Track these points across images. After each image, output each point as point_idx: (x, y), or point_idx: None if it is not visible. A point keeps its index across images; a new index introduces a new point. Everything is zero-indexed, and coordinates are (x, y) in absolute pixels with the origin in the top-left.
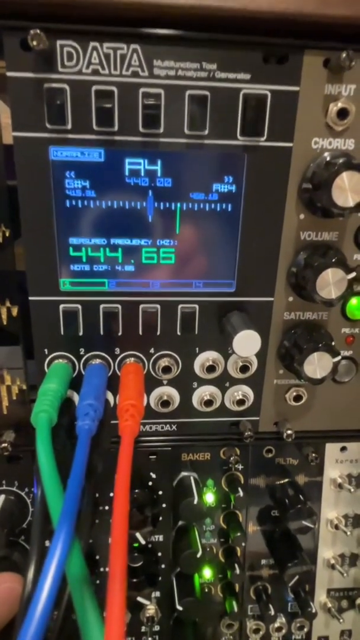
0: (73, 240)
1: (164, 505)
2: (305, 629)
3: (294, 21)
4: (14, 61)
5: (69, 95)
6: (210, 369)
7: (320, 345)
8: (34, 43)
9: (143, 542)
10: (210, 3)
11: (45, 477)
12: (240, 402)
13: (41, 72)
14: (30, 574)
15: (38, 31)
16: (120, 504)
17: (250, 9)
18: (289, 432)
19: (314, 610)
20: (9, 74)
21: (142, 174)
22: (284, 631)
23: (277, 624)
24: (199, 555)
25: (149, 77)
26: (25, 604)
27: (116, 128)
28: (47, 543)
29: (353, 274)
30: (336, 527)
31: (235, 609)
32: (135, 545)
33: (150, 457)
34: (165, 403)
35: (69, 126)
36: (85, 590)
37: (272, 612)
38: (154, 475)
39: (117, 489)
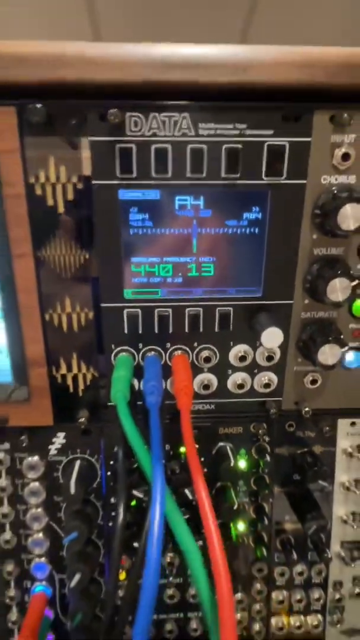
0: (134, 260)
1: (205, 470)
2: (323, 574)
3: (307, 88)
4: (94, 129)
5: (135, 152)
6: (242, 358)
7: (330, 338)
8: (112, 118)
9: (190, 497)
10: (241, 79)
11: (131, 437)
12: (267, 385)
13: (114, 136)
14: (121, 509)
15: (116, 110)
16: (191, 454)
17: (269, 81)
18: (307, 409)
19: (329, 556)
20: (91, 139)
21: (188, 207)
22: (305, 575)
23: (299, 569)
24: (235, 507)
25: (195, 136)
26: (120, 532)
27: (170, 174)
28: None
29: (356, 282)
30: (347, 489)
31: (265, 554)
32: None
33: (194, 431)
34: (206, 387)
35: (134, 174)
36: (178, 514)
37: (295, 557)
38: (197, 446)
39: (187, 445)
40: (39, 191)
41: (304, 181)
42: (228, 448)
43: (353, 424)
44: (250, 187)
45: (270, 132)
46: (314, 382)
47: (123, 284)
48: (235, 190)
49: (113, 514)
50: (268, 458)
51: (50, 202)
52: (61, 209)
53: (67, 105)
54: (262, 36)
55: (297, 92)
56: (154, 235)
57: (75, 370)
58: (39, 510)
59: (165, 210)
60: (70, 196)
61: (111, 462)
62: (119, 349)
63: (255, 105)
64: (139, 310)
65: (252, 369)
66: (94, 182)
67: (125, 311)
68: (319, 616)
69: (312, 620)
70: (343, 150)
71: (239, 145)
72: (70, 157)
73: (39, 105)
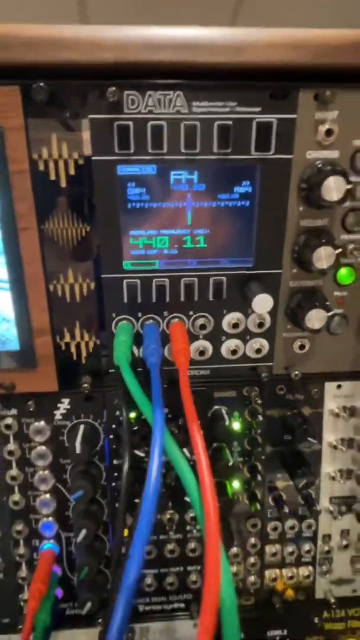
0: (133, 233)
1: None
2: (313, 528)
3: (295, 69)
4: (94, 108)
5: (132, 129)
6: (235, 325)
7: (317, 304)
8: (111, 96)
9: (188, 455)
10: (235, 59)
11: (134, 391)
12: (258, 351)
13: (112, 113)
14: (126, 456)
15: (114, 88)
16: (189, 409)
17: (261, 62)
18: (296, 373)
19: (318, 509)
20: (91, 116)
21: (183, 182)
22: (296, 529)
23: (290, 524)
24: (230, 464)
25: (189, 114)
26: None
27: (165, 150)
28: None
29: (340, 250)
30: (335, 447)
31: (259, 508)
32: None
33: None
34: (202, 353)
35: (132, 150)
36: (177, 449)
37: (287, 511)
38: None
39: (185, 399)
40: (41, 167)
41: (290, 156)
42: (223, 411)
43: (339, 386)
44: (240, 161)
45: (259, 109)
46: (302, 347)
47: (122, 256)
48: (226, 165)
49: (116, 474)
50: (260, 419)
51: (52, 177)
52: (63, 183)
53: (69, 85)
54: (254, 15)
55: (284, 72)
56: (150, 209)
57: (78, 338)
58: (46, 472)
59: (161, 184)
60: (71, 171)
61: (113, 426)
62: (119, 317)
63: (245, 84)
64: (137, 280)
65: (245, 335)
66: (93, 158)
67: (124, 282)
68: (310, 567)
69: (303, 571)
70: (326, 126)
71: (230, 122)
72: (71, 135)
73: (42, 85)
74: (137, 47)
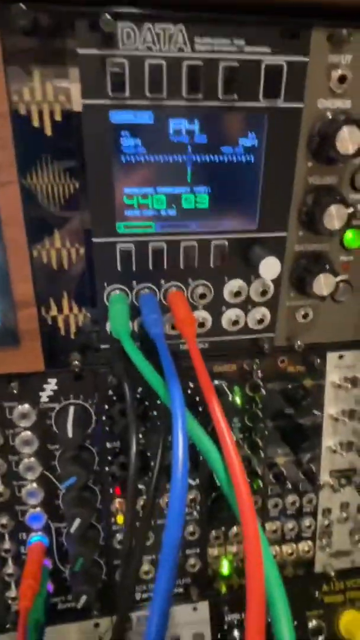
0: (127, 190)
1: (200, 409)
2: (314, 502)
3: (307, 3)
4: (84, 40)
5: (127, 68)
6: (237, 294)
7: (326, 267)
8: (104, 25)
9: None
10: None
11: (142, 367)
12: (260, 321)
13: (105, 49)
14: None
15: (108, 16)
16: (206, 381)
17: None
18: (299, 344)
19: (321, 482)
20: (80, 51)
21: (183, 132)
22: (297, 505)
23: (290, 500)
24: None
25: (191, 52)
26: (134, 465)
27: (165, 94)
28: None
29: (351, 209)
30: (336, 419)
31: (261, 485)
32: None
33: (189, 372)
34: (201, 324)
35: (127, 94)
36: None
37: (289, 486)
38: (192, 385)
39: (199, 369)
40: (23, 111)
41: (301, 105)
42: (224, 386)
43: (341, 357)
44: (247, 110)
45: (268, 49)
46: (305, 316)
47: (115, 217)
48: (231, 114)
49: (110, 458)
50: (262, 393)
51: (36, 123)
52: (49, 131)
53: (55, 11)
54: None
55: (297, 8)
56: (146, 163)
57: (66, 311)
58: (32, 460)
59: (159, 135)
60: (57, 117)
61: (106, 407)
62: (111, 287)
63: (253, 18)
64: (132, 245)
65: (246, 305)
66: (83, 101)
67: (118, 246)
68: (309, 542)
69: (303, 546)
70: (340, 72)
71: (236, 64)
72: (57, 72)
73: (24, 7)
74: None
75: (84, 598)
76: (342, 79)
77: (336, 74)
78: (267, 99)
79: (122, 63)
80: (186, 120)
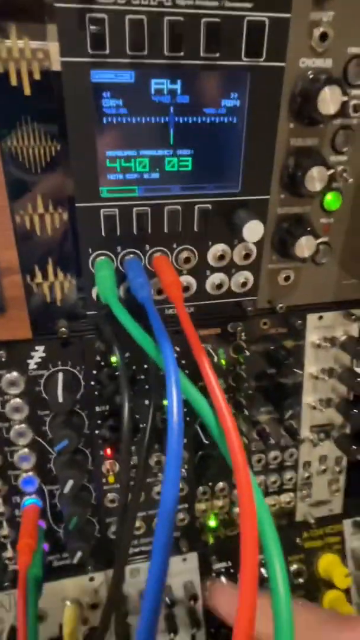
0: (110, 153)
1: (187, 371)
2: (294, 456)
3: None
4: None
5: (107, 24)
6: (221, 257)
7: (308, 229)
8: None
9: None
10: None
11: (132, 329)
12: (243, 284)
13: (84, 3)
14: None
15: None
16: (196, 344)
17: None
18: (281, 306)
19: (301, 437)
20: (57, 5)
21: (165, 92)
22: (279, 459)
23: (273, 455)
24: None
25: (172, 7)
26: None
27: (146, 52)
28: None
29: (332, 171)
30: (316, 377)
31: (246, 442)
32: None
33: (175, 335)
34: (186, 289)
35: (107, 51)
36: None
37: (272, 441)
38: (178, 349)
39: (188, 331)
40: (0, 68)
41: (283, 64)
42: (209, 348)
43: (320, 317)
44: (229, 68)
45: (250, 5)
46: (287, 278)
47: (98, 182)
48: (213, 73)
49: (99, 421)
50: (246, 354)
51: (14, 82)
52: (27, 90)
53: None
54: None
55: None
56: (128, 125)
57: (51, 278)
58: (23, 426)
59: (141, 95)
60: (36, 75)
61: (94, 372)
62: (96, 253)
63: None
64: (116, 210)
65: (230, 269)
66: (62, 58)
67: (101, 211)
68: (291, 494)
69: (285, 497)
70: (321, 29)
71: (218, 20)
72: (35, 29)
73: None
74: None
75: (79, 554)
76: (323, 37)
77: (318, 31)
78: (249, 57)
79: (101, 18)
80: (168, 80)
